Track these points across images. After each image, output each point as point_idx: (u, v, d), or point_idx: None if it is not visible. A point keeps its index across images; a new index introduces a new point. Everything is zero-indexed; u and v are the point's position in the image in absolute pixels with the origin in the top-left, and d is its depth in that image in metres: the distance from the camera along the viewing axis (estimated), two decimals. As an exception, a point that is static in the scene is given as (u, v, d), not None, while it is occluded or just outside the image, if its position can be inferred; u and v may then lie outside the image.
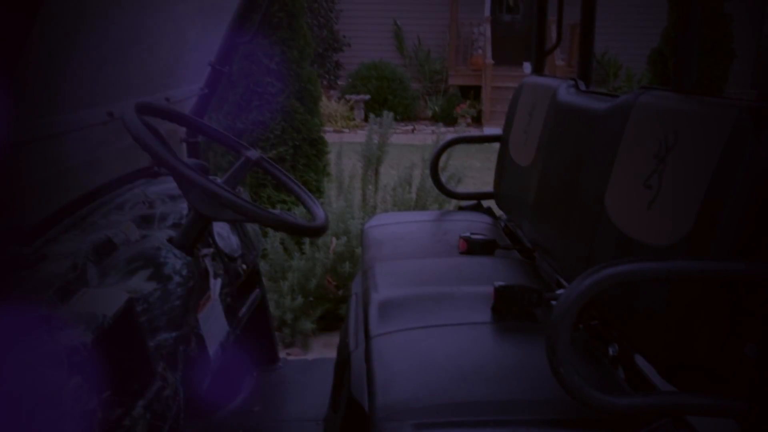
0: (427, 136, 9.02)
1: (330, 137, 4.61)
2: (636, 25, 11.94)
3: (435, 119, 12.09)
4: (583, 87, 2.30)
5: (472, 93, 12.79)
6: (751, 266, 1.16)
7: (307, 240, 3.58)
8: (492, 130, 10.52)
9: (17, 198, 1.38)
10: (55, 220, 1.51)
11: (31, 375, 1.03)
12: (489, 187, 2.96)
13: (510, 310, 1.72)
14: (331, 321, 3.43)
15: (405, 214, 3.16)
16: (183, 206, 1.78)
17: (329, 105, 11.43)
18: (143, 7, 1.68)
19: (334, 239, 3.52)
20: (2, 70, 0.96)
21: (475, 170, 6.75)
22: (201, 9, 2.08)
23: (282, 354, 2.66)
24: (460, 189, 3.84)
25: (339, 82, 13.17)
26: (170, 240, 1.58)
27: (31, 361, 1.04)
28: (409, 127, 11.57)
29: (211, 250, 1.73)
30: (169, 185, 1.91)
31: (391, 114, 4.28)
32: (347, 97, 12.17)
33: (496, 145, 2.91)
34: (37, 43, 1.18)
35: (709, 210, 1.26)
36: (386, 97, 12.29)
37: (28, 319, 1.08)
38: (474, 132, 10.78)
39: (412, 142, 8.23)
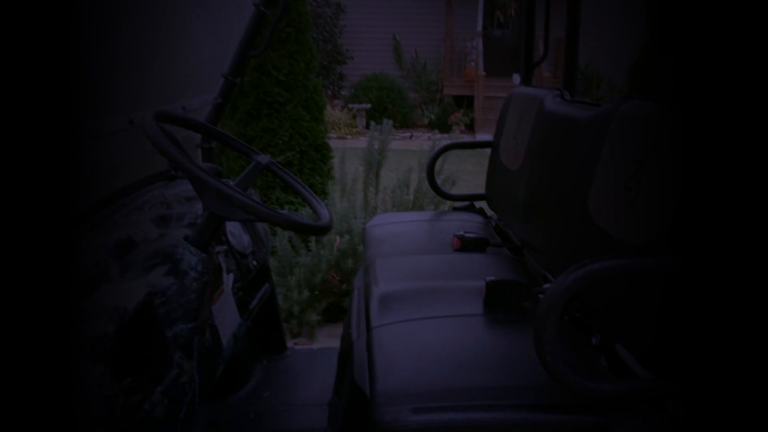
0: (423, 142, 8.96)
1: (334, 143, 4.60)
2: (617, 40, 11.93)
3: (431, 126, 12.07)
4: (568, 97, 2.30)
5: (465, 102, 12.77)
6: (725, 262, 1.16)
7: (313, 238, 3.58)
8: (484, 136, 10.50)
9: (47, 199, 1.38)
10: (80, 219, 1.51)
11: (58, 363, 1.03)
12: (481, 190, 2.95)
13: (500, 303, 1.72)
14: (335, 313, 3.43)
15: (403, 214, 3.15)
16: (198, 207, 1.77)
17: (333, 113, 11.41)
18: (161, 24, 1.68)
19: (338, 237, 3.52)
20: (38, 78, 0.96)
21: (468, 174, 6.74)
22: (215, 25, 2.08)
23: (290, 343, 2.65)
24: (455, 191, 3.83)
25: (342, 92, 13.16)
26: (186, 238, 1.58)
27: (57, 351, 1.04)
28: (407, 134, 11.55)
29: (225, 247, 1.72)
30: (186, 188, 1.91)
31: (391, 122, 4.27)
32: (350, 106, 12.15)
33: (488, 151, 2.90)
34: (66, 57, 1.18)
35: (684, 210, 1.26)
36: (386, 106, 12.27)
37: (55, 311, 1.08)
38: (467, 138, 10.74)
39: (409, 148, 8.18)
